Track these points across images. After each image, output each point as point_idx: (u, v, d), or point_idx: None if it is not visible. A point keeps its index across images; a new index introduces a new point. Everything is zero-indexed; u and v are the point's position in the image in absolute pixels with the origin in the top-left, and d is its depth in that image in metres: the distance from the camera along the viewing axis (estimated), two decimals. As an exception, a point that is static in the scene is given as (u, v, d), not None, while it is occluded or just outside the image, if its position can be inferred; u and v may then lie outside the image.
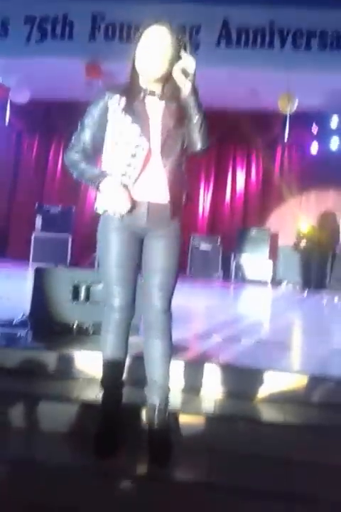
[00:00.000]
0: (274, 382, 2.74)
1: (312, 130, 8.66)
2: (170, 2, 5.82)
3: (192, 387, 2.74)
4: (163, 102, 2.28)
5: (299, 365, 3.31)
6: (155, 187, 2.26)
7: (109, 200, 2.23)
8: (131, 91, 2.26)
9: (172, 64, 2.21)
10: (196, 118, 2.24)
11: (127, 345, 2.36)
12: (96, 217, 2.38)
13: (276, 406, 2.65)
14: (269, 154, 9.06)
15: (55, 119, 9.25)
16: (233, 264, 8.47)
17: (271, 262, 8.38)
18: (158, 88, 2.27)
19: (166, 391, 2.31)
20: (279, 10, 6.75)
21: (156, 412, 2.28)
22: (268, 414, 2.60)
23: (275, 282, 8.20)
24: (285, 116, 7.61)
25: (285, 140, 7.36)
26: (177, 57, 2.21)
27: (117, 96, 2.24)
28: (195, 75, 2.22)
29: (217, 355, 3.08)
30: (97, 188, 2.23)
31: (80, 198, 9.29)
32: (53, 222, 8.41)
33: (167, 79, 2.25)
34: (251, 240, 8.55)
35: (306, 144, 8.82)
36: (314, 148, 8.76)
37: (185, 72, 2.20)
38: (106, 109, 2.26)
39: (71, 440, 2.42)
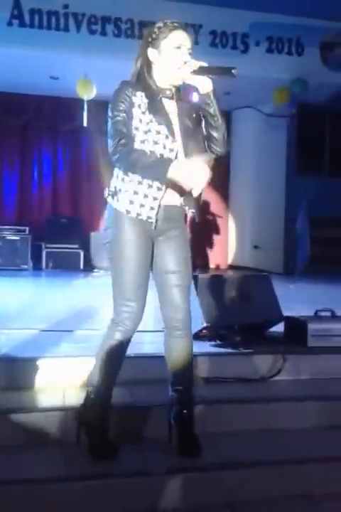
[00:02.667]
0: (52, 369, 2.71)
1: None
2: None
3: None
4: (175, 103, 2.25)
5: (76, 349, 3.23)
6: (172, 189, 2.20)
7: (188, 180, 2.08)
8: (149, 90, 2.19)
9: None
10: (220, 119, 2.22)
11: None
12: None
13: (55, 392, 2.61)
14: (75, 140, 8.97)
15: None
16: (44, 254, 8.26)
17: (81, 251, 8.34)
18: (170, 89, 2.23)
19: (192, 387, 2.33)
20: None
21: (185, 409, 2.27)
22: (48, 401, 2.56)
23: (88, 270, 8.19)
24: (88, 102, 7.58)
25: (85, 125, 7.36)
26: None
27: (140, 93, 2.16)
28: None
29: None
30: (164, 177, 2.08)
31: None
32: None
33: None
34: (62, 228, 8.41)
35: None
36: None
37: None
38: (131, 104, 2.15)
39: None
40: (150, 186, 2.17)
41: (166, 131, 2.18)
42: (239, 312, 3.31)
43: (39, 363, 2.69)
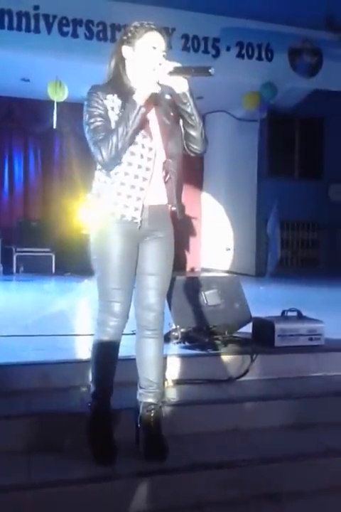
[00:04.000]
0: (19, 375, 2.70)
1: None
2: None
3: None
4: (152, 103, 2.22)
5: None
6: (156, 188, 2.20)
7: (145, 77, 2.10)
8: (122, 88, 2.17)
9: None
10: (197, 118, 2.20)
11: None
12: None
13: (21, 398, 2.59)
14: (47, 143, 8.90)
15: None
16: (14, 258, 8.16)
17: (52, 254, 8.27)
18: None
19: (162, 389, 2.34)
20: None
21: (153, 411, 2.25)
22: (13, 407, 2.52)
23: (60, 273, 8.11)
24: (59, 104, 7.53)
25: (54, 127, 7.34)
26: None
27: (110, 95, 2.14)
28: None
29: None
30: (140, 110, 2.08)
31: None
32: None
33: None
34: (33, 231, 8.33)
35: (82, 132, 8.84)
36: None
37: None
38: (105, 109, 2.14)
39: None
40: (133, 187, 2.16)
41: (143, 130, 2.16)
42: (207, 314, 3.33)
43: (5, 369, 2.66)
